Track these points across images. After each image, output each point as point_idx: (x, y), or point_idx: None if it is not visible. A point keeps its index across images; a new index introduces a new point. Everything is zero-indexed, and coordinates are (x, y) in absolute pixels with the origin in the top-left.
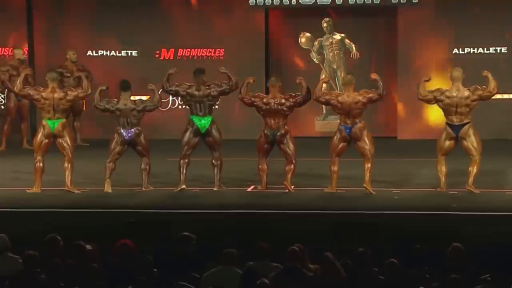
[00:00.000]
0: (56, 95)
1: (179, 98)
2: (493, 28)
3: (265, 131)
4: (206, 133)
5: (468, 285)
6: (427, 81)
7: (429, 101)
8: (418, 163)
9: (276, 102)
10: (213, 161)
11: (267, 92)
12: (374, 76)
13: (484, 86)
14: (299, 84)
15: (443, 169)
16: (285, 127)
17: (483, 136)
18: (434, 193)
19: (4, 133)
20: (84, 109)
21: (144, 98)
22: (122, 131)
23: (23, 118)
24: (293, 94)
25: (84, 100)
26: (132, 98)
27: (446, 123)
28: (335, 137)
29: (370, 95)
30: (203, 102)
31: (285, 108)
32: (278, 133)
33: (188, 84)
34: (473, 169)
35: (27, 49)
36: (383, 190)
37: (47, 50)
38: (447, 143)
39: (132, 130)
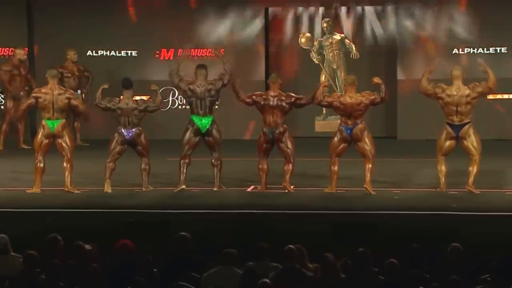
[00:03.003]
0: (56, 92)
1: (181, 93)
2: (494, 28)
3: (264, 129)
4: (207, 133)
5: (468, 285)
6: (430, 72)
7: (429, 96)
8: (418, 163)
9: (276, 97)
10: (213, 161)
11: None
12: (376, 80)
13: (483, 82)
14: (313, 90)
15: (443, 169)
16: (284, 125)
17: (483, 136)
18: (434, 193)
19: (2, 133)
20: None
21: (145, 98)
22: (122, 130)
23: (20, 117)
24: (297, 96)
25: (83, 101)
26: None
27: (446, 122)
28: (335, 137)
29: (373, 97)
30: (204, 99)
31: (284, 104)
32: (277, 131)
33: (190, 79)
34: (473, 169)
35: (27, 49)
36: (383, 190)
37: (47, 50)
38: (447, 143)
39: (133, 130)
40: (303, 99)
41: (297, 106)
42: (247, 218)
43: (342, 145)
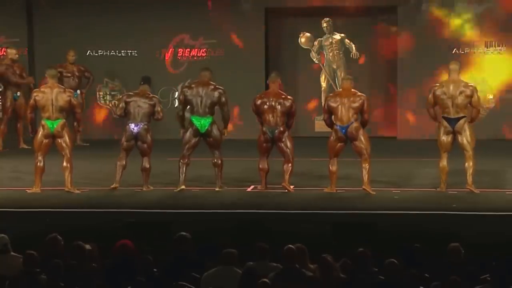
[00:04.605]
0: (55, 90)
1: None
2: (492, 28)
3: (264, 128)
4: (206, 133)
5: (468, 285)
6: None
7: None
8: (418, 163)
9: (275, 96)
10: (214, 160)
11: (267, 90)
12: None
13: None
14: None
15: (445, 165)
16: (284, 124)
17: (482, 137)
18: (434, 193)
19: (1, 133)
20: (83, 107)
21: None
22: (130, 124)
23: (20, 117)
24: (292, 113)
25: (84, 100)
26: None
27: (443, 116)
28: (331, 137)
29: (364, 104)
30: (204, 97)
31: (285, 102)
32: (277, 130)
33: (196, 81)
34: (470, 165)
35: (27, 48)
36: (383, 190)
37: (47, 50)
38: (445, 138)
39: (141, 124)
40: (291, 120)
41: (286, 116)
42: (247, 218)
43: (338, 145)
